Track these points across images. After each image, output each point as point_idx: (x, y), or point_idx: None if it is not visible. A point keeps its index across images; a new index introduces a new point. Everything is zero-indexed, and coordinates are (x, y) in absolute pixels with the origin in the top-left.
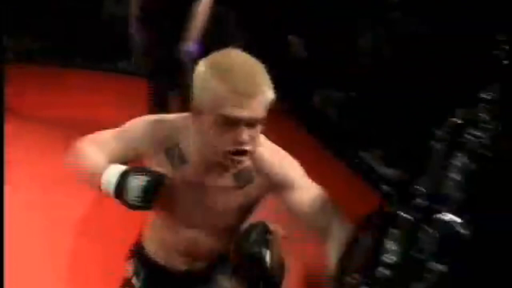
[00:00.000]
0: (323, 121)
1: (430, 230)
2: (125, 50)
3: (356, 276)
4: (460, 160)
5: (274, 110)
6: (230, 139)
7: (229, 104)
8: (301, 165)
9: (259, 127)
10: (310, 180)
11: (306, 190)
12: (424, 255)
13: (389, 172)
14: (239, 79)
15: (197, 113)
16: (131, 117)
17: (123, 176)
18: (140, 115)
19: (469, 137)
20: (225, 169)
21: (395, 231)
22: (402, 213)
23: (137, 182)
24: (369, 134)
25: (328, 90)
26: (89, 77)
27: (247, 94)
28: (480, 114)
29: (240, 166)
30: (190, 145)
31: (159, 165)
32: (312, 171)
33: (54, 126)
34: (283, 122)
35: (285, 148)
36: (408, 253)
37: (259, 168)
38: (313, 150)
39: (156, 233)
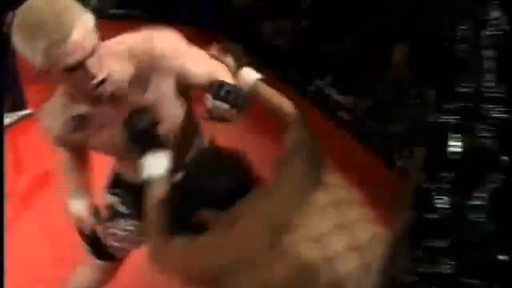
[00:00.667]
0: (273, 51)
1: None
2: None
3: None
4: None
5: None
6: (84, 81)
7: (55, 60)
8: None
9: (97, 49)
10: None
11: (196, 58)
12: None
13: (344, 99)
14: (47, 32)
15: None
16: None
17: None
18: None
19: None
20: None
21: None
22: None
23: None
24: (322, 61)
25: (277, 21)
26: None
27: (64, 44)
28: None
29: (106, 91)
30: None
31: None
32: None
33: None
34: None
35: None
36: None
37: (152, 64)
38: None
39: (123, 166)
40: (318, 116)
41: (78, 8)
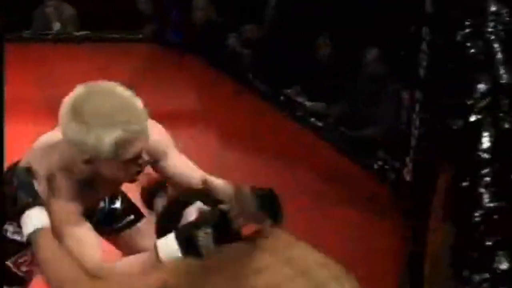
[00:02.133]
0: (240, 63)
1: None
2: None
3: None
4: None
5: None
6: (133, 171)
7: (128, 149)
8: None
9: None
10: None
11: (178, 157)
12: None
13: (316, 105)
14: (125, 122)
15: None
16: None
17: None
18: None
19: None
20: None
21: None
22: None
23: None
24: (289, 70)
25: (241, 31)
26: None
27: (139, 133)
28: None
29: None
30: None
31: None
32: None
33: None
34: (203, 72)
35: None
36: None
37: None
38: (236, 93)
39: None
40: (291, 124)
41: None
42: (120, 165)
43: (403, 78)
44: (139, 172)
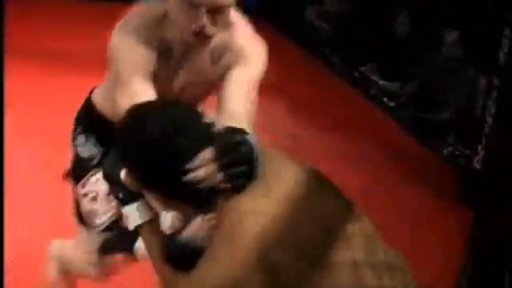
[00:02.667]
0: (317, 36)
1: None
2: None
3: None
4: None
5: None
6: (192, 19)
7: None
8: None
9: (227, 11)
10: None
11: (242, 83)
12: None
13: (389, 85)
14: None
15: None
16: None
17: None
18: None
19: None
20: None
21: None
22: None
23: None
24: (365, 47)
25: (321, 4)
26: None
27: None
28: None
29: (204, 46)
30: (170, 31)
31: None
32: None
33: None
34: (276, 40)
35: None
36: None
37: (229, 47)
38: (309, 66)
39: None
40: (362, 101)
41: None
42: (181, 5)
43: (481, 63)
44: (197, 33)
